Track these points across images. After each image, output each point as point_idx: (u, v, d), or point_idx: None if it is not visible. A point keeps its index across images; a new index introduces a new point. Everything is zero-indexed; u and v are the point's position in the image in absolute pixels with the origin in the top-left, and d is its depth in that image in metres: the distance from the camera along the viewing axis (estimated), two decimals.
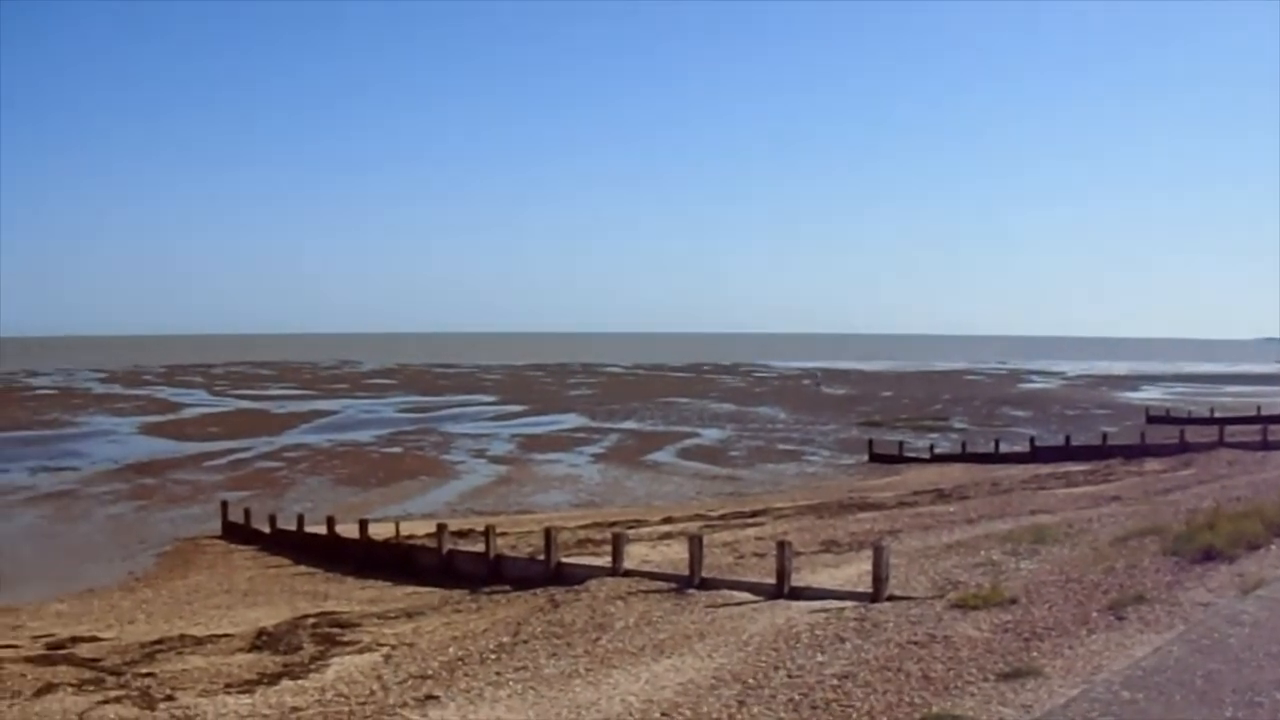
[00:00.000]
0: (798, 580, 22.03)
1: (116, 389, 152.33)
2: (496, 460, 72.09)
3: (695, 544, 23.96)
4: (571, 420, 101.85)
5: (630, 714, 14.32)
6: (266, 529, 42.42)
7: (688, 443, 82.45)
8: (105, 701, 17.37)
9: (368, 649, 20.73)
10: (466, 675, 17.43)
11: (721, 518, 41.44)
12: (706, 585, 23.04)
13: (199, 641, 23.25)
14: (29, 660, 21.73)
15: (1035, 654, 14.22)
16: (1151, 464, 54.46)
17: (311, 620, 24.73)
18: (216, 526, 45.47)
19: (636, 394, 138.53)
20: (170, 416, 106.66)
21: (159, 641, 23.51)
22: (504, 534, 34.06)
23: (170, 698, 17.50)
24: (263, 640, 22.53)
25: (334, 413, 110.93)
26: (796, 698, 13.70)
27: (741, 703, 13.84)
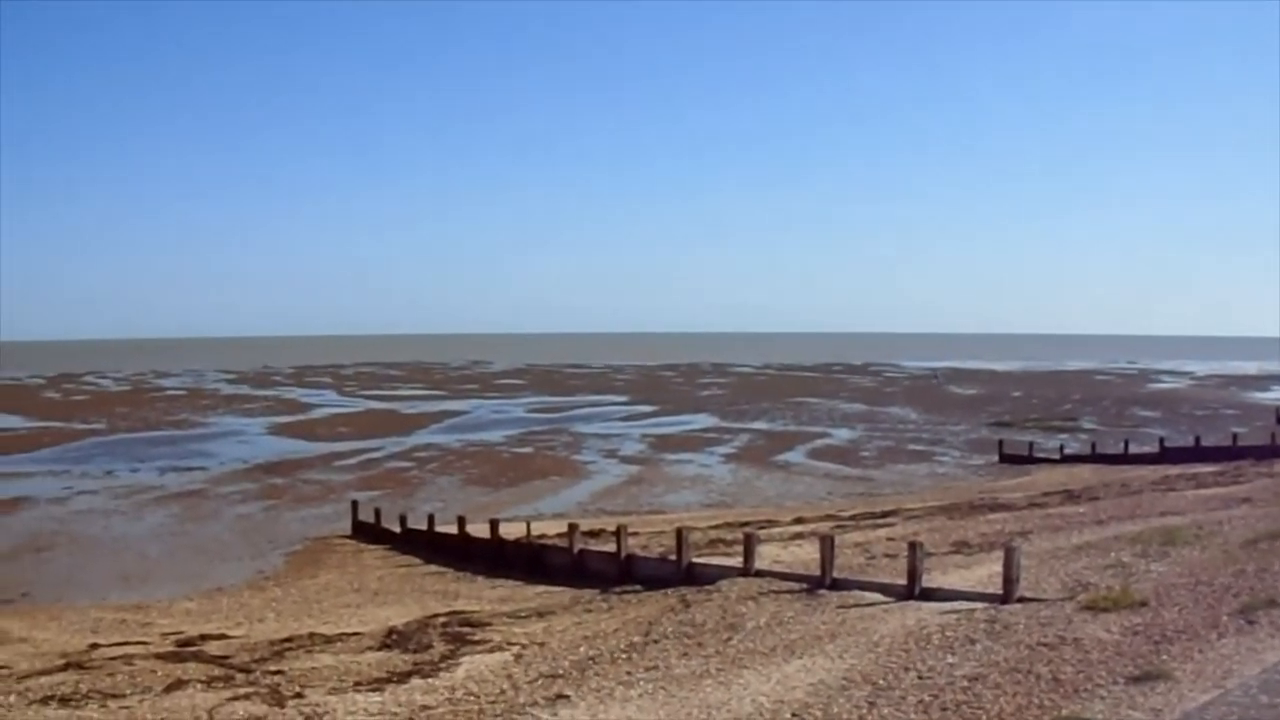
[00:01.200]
0: (928, 581, 21.94)
1: (245, 390, 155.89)
2: (627, 460, 72.28)
3: (827, 544, 23.87)
4: (702, 420, 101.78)
5: (761, 714, 14.25)
6: (397, 528, 42.94)
7: (818, 443, 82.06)
8: (234, 698, 17.58)
9: (498, 648, 20.77)
10: (597, 675, 17.41)
11: (853, 518, 41.24)
12: (838, 586, 22.98)
13: (329, 640, 23.54)
14: (159, 657, 22.18)
15: (1165, 657, 14.07)
16: None
17: (442, 619, 24.90)
18: (346, 526, 46.19)
19: (767, 394, 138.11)
20: (300, 417, 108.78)
21: (288, 639, 23.88)
22: (635, 534, 34.04)
23: (299, 695, 17.66)
24: (393, 639, 22.70)
25: (464, 413, 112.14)
26: (926, 699, 13.72)
27: (872, 704, 13.84)
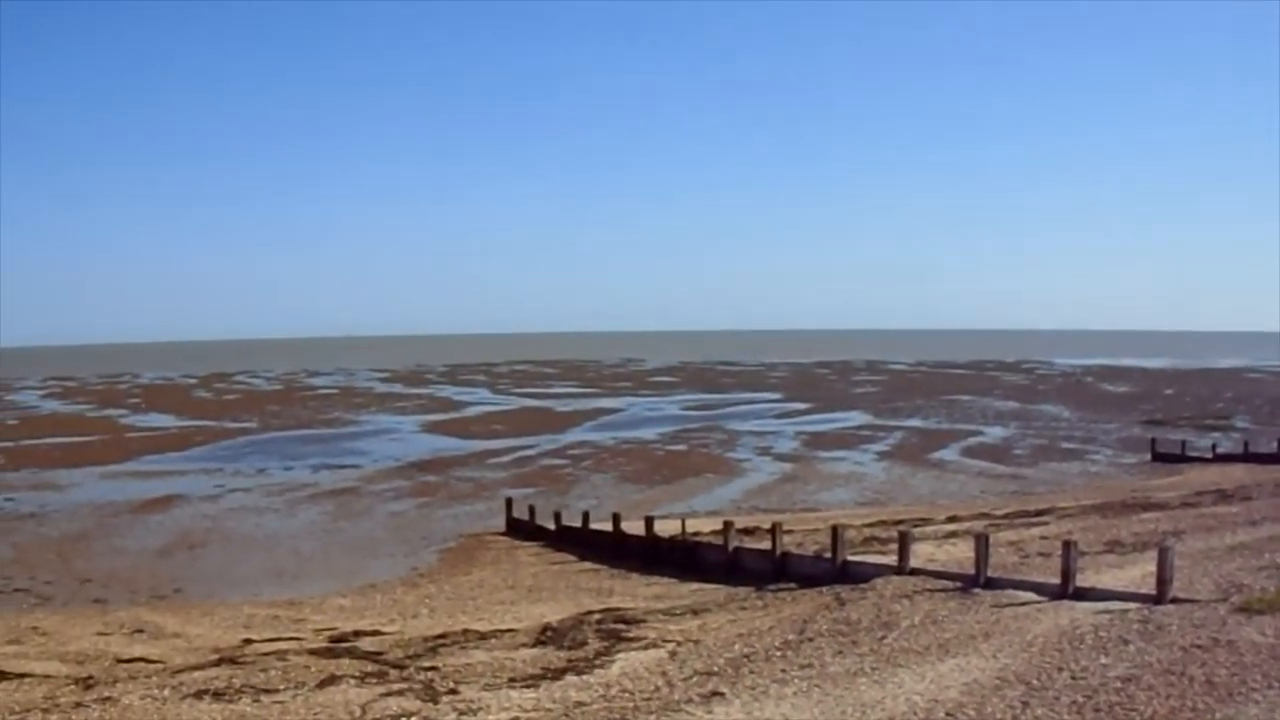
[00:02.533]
0: (1082, 581, 21.89)
1: (398, 388, 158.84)
2: (781, 458, 72.25)
3: (981, 543, 23.90)
4: (856, 418, 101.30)
5: (915, 713, 14.30)
6: (551, 525, 43.39)
7: (971, 441, 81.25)
8: (388, 694, 17.87)
9: (653, 645, 20.85)
10: (752, 672, 17.45)
11: (1006, 516, 40.95)
12: (991, 585, 22.99)
13: (483, 636, 23.87)
14: (312, 653, 22.68)
15: None
16: None
17: (596, 616, 25.10)
18: (500, 523, 46.78)
19: (920, 391, 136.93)
20: (453, 415, 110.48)
21: (442, 636, 24.26)
22: (790, 531, 34.19)
23: (453, 691, 17.88)
24: (547, 635, 22.95)
25: (618, 410, 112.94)
26: (1080, 700, 13.73)
27: (1025, 704, 13.89)
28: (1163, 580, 19.89)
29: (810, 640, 19.48)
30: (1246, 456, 65.91)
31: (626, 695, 16.89)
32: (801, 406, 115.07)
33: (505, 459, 72.92)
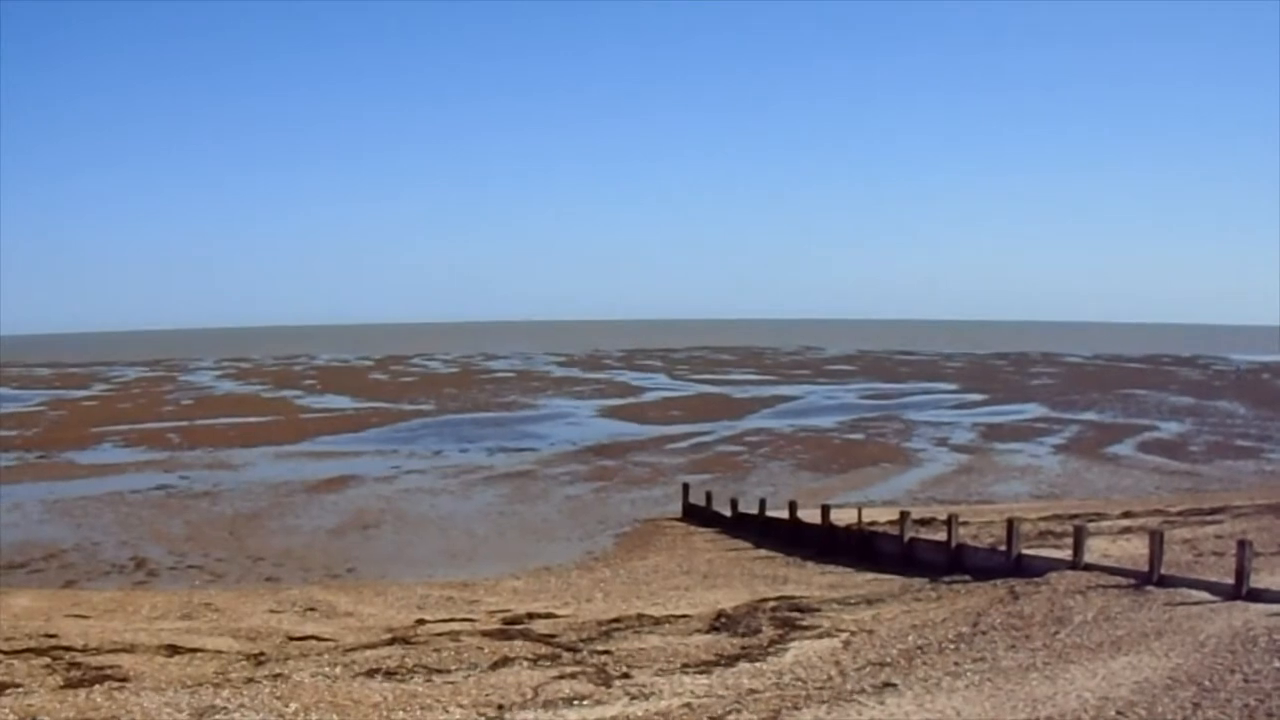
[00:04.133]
0: (1256, 582, 21.37)
1: (575, 372, 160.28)
2: (957, 449, 71.26)
3: (1156, 540, 23.56)
4: (1032, 410, 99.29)
5: (1086, 711, 14.16)
6: (727, 512, 43.53)
7: (1146, 436, 78.99)
8: (560, 677, 18.09)
9: (827, 634, 20.83)
10: (924, 664, 17.42)
11: (1180, 514, 39.95)
12: (1165, 583, 22.70)
13: (656, 621, 24.03)
14: (486, 634, 23.04)
15: None
16: None
17: (771, 604, 25.12)
18: (676, 509, 47.12)
19: (1096, 385, 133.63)
20: (630, 400, 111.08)
21: (616, 620, 24.47)
22: (965, 523, 33.82)
23: (626, 675, 18.05)
24: (721, 622, 23.02)
25: (796, 398, 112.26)
26: (1252, 704, 13.56)
27: (1196, 705, 13.75)
28: None
29: (983, 633, 19.42)
30: None
31: (799, 684, 16.91)
32: (978, 398, 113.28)
33: (682, 445, 73.12)
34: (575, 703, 16.51)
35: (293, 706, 16.25)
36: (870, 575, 30.72)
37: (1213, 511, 40.13)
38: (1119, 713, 13.76)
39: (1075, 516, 36.98)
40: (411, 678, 18.31)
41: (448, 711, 16.13)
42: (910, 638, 19.58)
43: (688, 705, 16.15)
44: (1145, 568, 23.34)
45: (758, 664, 18.63)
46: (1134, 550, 27.71)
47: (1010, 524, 28.85)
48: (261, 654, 21.42)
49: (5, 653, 21.18)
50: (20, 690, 17.28)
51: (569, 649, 20.70)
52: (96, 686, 17.58)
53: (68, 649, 21.78)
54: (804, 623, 22.22)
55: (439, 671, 18.80)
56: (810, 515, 38.53)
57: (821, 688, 16.40)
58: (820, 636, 20.65)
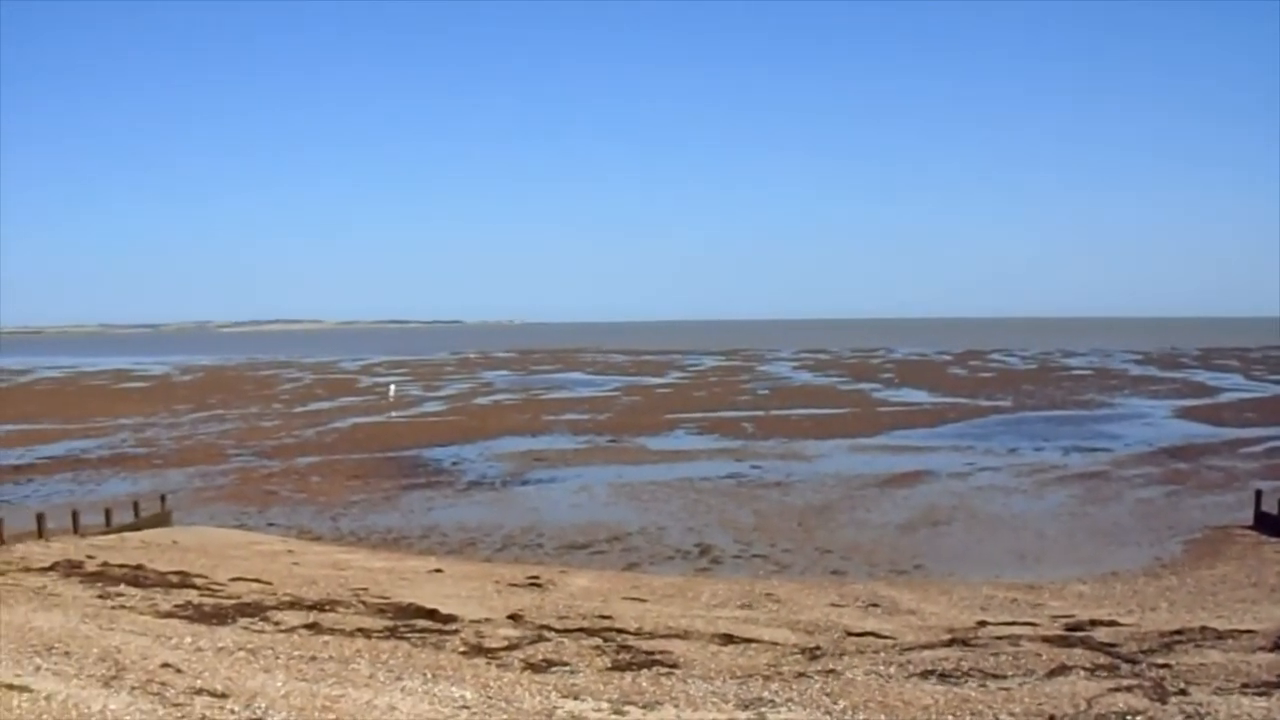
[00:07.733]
0: None
1: (1151, 371, 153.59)
2: None
3: None
4: None
5: None
6: None
7: None
8: (1116, 689, 17.40)
9: None
10: None
11: None
12: None
13: (1219, 635, 22.65)
14: (1046, 640, 22.43)
15: None
16: None
17: None
18: (1247, 516, 44.13)
19: None
20: (1204, 400, 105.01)
21: (1178, 632, 23.27)
22: None
23: (1183, 692, 17.19)
24: None
25: None
26: None
27: None
28: None
29: None
30: None
31: None
32: None
33: (1256, 449, 68.46)
34: (1129, 718, 15.96)
35: (841, 704, 16.28)
36: None
37: None
38: None
39: None
40: (965, 681, 17.99)
41: (997, 719, 15.92)
42: None
43: None
44: None
45: None
46: None
47: None
48: (817, 648, 21.57)
49: (558, 630, 22.55)
50: (567, 669, 18.32)
51: (1128, 660, 19.88)
52: (644, 670, 18.29)
53: (620, 631, 22.85)
54: None
55: (994, 676, 18.39)
56: None
57: None
58: None
